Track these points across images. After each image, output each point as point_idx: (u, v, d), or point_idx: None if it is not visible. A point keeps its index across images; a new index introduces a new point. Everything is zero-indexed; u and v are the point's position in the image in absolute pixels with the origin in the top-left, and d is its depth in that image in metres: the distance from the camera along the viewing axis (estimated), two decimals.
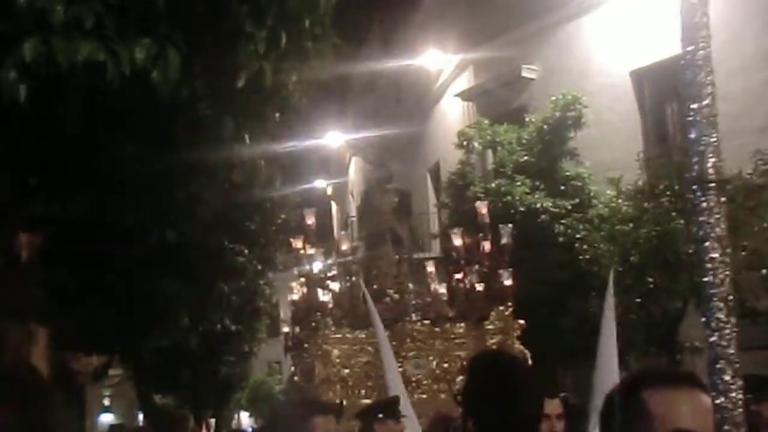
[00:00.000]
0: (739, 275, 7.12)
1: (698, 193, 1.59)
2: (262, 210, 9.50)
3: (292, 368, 11.53)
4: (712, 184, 1.59)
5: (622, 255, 10.50)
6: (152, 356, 12.06)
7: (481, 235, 9.57)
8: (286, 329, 12.12)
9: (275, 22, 4.22)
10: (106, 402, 27.25)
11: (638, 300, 10.05)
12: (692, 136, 1.63)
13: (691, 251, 10.05)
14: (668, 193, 10.54)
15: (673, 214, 10.22)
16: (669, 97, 14.28)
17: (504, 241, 9.46)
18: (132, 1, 3.87)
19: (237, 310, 12.35)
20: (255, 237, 10.28)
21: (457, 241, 9.63)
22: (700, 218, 1.58)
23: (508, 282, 9.26)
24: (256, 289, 13.02)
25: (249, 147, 5.17)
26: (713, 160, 1.60)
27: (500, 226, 9.74)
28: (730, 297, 1.48)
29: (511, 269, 9.34)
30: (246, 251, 10.41)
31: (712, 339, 1.55)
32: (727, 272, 1.46)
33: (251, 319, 14.26)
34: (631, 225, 10.79)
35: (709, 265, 1.54)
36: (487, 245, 9.43)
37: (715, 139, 1.64)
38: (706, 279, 1.57)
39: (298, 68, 4.70)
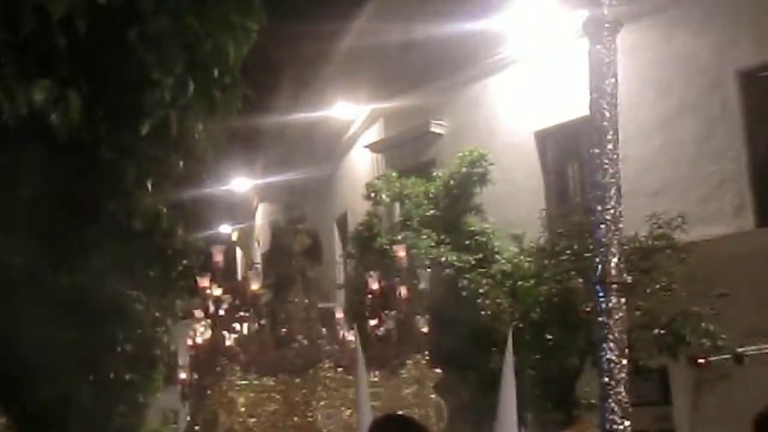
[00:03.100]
0: (633, 334, 7.34)
1: (600, 294, 1.62)
2: (163, 257, 9.21)
3: (189, 417, 11.03)
4: (615, 285, 1.63)
5: (524, 311, 10.69)
6: (38, 406, 11.45)
7: (397, 279, 9.31)
8: (183, 375, 11.63)
9: (183, 71, 4.16)
10: None
11: (537, 356, 10.21)
12: (597, 236, 1.66)
13: (588, 309, 10.35)
14: (568, 252, 10.82)
15: (573, 272, 10.49)
16: (570, 157, 14.78)
17: (422, 286, 9.14)
18: (32, 41, 3.75)
19: (132, 358, 11.89)
20: (155, 284, 9.94)
21: (374, 285, 9.26)
22: (600, 319, 1.61)
23: (424, 329, 8.95)
24: (154, 336, 12.59)
25: (151, 194, 5.04)
26: (615, 260, 1.63)
27: (418, 271, 9.56)
28: (626, 402, 1.49)
29: (428, 316, 9.04)
30: (144, 298, 10.07)
31: None
32: (623, 375, 1.47)
33: (147, 368, 13.75)
34: (532, 282, 11.01)
35: (605, 366, 1.56)
36: (404, 290, 9.13)
37: (617, 241, 1.68)
38: (602, 380, 1.60)
39: (206, 117, 4.63)
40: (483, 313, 11.39)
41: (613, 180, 1.71)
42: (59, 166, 4.76)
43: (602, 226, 1.65)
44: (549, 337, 10.41)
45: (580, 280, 10.37)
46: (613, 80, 1.76)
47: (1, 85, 3.68)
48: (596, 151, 1.70)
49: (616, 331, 1.61)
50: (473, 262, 12.57)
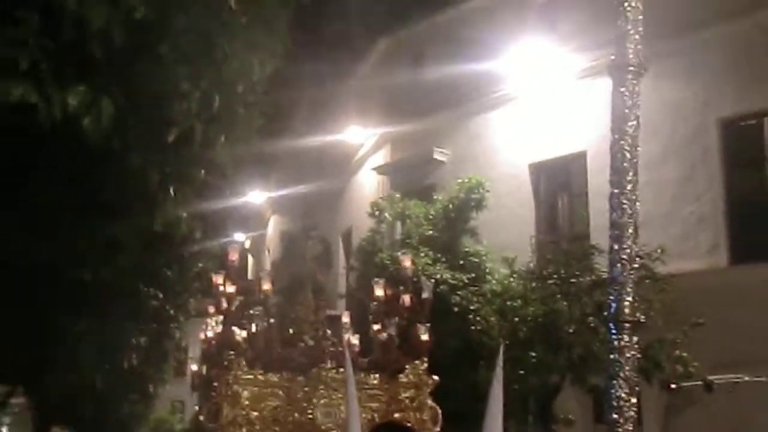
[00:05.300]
0: None
1: (614, 331, 1.50)
2: (180, 259, 9.11)
3: (197, 407, 10.80)
4: (627, 324, 1.51)
5: (511, 329, 10.51)
6: (56, 390, 11.31)
7: (401, 288, 9.07)
8: (194, 367, 11.43)
9: (210, 85, 4.06)
10: (5, 430, 25.46)
11: (522, 372, 10.03)
12: (613, 274, 1.55)
13: (571, 331, 10.20)
14: (555, 276, 10.68)
15: (558, 296, 10.34)
16: (561, 190, 14.68)
17: (425, 295, 8.86)
18: (70, 49, 3.65)
19: (145, 351, 11.76)
20: (171, 284, 9.83)
21: (379, 292, 9.00)
22: (612, 356, 1.48)
23: (425, 337, 8.68)
24: (167, 331, 12.45)
25: (173, 199, 4.93)
26: (630, 299, 1.52)
27: (422, 279, 9.31)
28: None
29: (429, 324, 8.85)
30: (161, 296, 9.94)
31: None
32: (632, 413, 1.36)
33: (159, 361, 13.63)
34: (520, 302, 10.85)
35: (615, 404, 1.43)
36: (407, 298, 8.88)
37: (632, 280, 1.56)
38: (611, 417, 1.48)
39: (228, 130, 4.52)
40: (473, 328, 11.21)
41: (630, 220, 1.59)
42: (89, 169, 4.65)
43: (618, 264, 1.53)
44: (533, 354, 10.22)
45: (565, 303, 10.23)
46: (634, 123, 1.64)
47: (38, 88, 3.57)
48: (616, 191, 1.58)
49: (627, 369, 1.48)
50: (466, 281, 12.41)
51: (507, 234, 13.38)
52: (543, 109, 14.53)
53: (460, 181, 13.72)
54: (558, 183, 14.68)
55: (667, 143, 12.77)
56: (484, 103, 15.58)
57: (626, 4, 1.96)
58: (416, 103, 16.53)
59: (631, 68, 1.84)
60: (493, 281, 12.20)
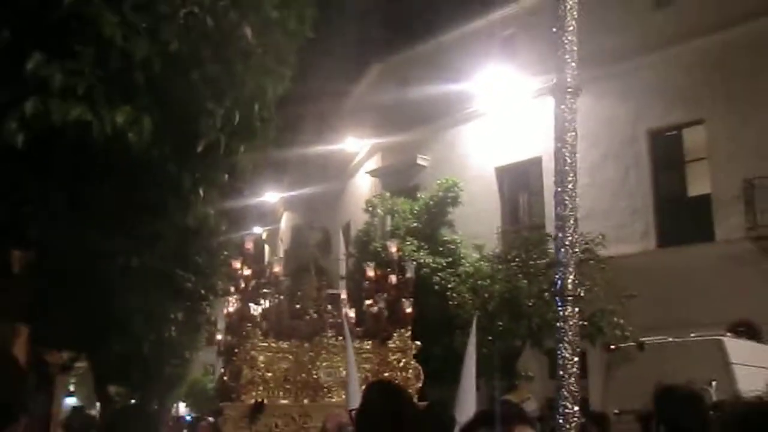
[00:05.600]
0: None
1: (559, 304, 1.56)
2: (209, 248, 9.11)
3: (222, 370, 10.82)
4: (570, 297, 1.57)
5: (481, 303, 10.57)
6: (111, 356, 11.31)
7: (389, 269, 8.99)
8: (219, 337, 11.42)
9: (232, 104, 4.09)
10: (71, 388, 25.39)
11: (490, 338, 10.09)
12: (558, 257, 1.60)
13: (530, 304, 10.26)
14: (517, 259, 10.73)
15: (520, 275, 10.40)
16: (522, 188, 14.76)
17: (408, 275, 8.89)
18: (118, 76, 3.68)
19: (182, 324, 11.76)
20: (202, 268, 9.81)
21: (370, 273, 9.02)
22: (558, 324, 1.55)
23: (409, 309, 8.65)
24: (199, 308, 12.43)
25: (202, 199, 4.96)
26: (572, 278, 1.57)
27: (406, 261, 9.30)
28: (577, 391, 1.42)
29: (412, 299, 8.56)
30: (193, 278, 9.93)
31: None
32: (575, 370, 1.41)
33: (193, 332, 13.62)
34: (489, 281, 10.90)
35: (561, 363, 1.49)
36: (393, 278, 8.65)
37: (573, 261, 1.62)
38: (558, 373, 1.53)
39: (247, 141, 4.54)
40: (450, 303, 11.26)
41: (571, 213, 1.64)
42: (134, 175, 4.67)
43: (562, 249, 1.58)
44: (499, 324, 10.28)
45: (525, 281, 10.28)
46: (573, 134, 1.70)
47: (92, 109, 3.61)
48: (559, 189, 1.63)
49: (570, 334, 1.54)
50: (444, 264, 12.47)
51: (478, 225, 13.45)
52: (506, 123, 14.61)
53: (438, 182, 13.78)
54: (519, 183, 14.75)
55: (606, 150, 12.87)
56: (458, 118, 15.64)
57: (564, 38, 2.03)
58: (402, 118, 16.57)
59: (569, 89, 1.90)
60: (467, 264, 12.27)
